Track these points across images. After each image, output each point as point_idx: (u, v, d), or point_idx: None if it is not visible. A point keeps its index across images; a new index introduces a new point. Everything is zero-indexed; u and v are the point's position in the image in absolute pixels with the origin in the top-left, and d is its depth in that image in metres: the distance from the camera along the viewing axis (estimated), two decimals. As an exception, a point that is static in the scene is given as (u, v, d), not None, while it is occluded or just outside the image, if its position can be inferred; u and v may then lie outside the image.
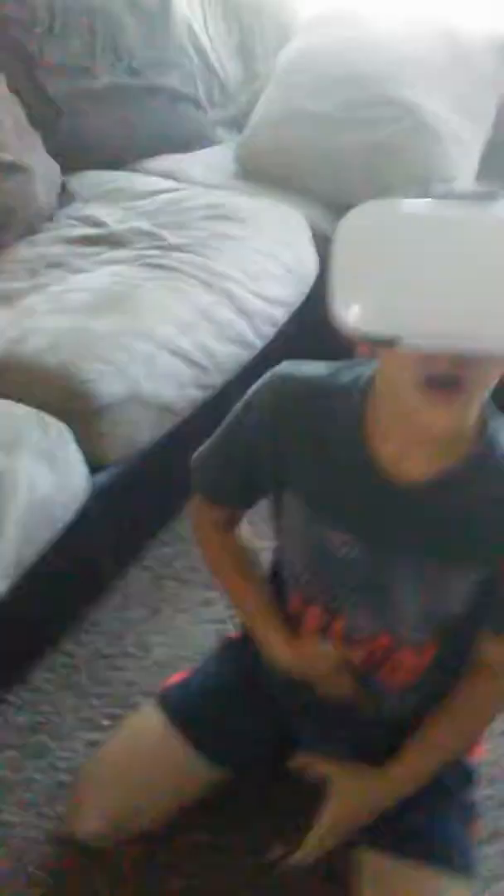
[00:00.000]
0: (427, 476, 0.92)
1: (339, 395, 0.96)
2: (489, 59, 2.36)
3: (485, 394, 0.86)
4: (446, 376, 0.78)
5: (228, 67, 2.73)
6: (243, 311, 1.83)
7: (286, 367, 1.00)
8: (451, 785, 1.13)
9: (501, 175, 2.38)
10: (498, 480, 0.94)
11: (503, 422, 0.95)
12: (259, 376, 1.03)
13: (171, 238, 1.94)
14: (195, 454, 1.13)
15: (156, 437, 1.65)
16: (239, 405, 1.05)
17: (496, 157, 2.38)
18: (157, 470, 1.72)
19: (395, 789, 1.06)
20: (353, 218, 0.69)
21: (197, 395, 1.71)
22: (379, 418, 0.93)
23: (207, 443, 1.12)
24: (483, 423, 0.93)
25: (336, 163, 2.21)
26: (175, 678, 1.28)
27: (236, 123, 2.61)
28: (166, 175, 2.28)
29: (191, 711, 1.18)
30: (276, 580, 1.15)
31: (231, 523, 1.16)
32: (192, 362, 1.68)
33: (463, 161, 2.23)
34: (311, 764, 1.10)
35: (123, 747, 1.19)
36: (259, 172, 2.31)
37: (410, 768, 1.07)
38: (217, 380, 1.76)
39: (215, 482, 1.11)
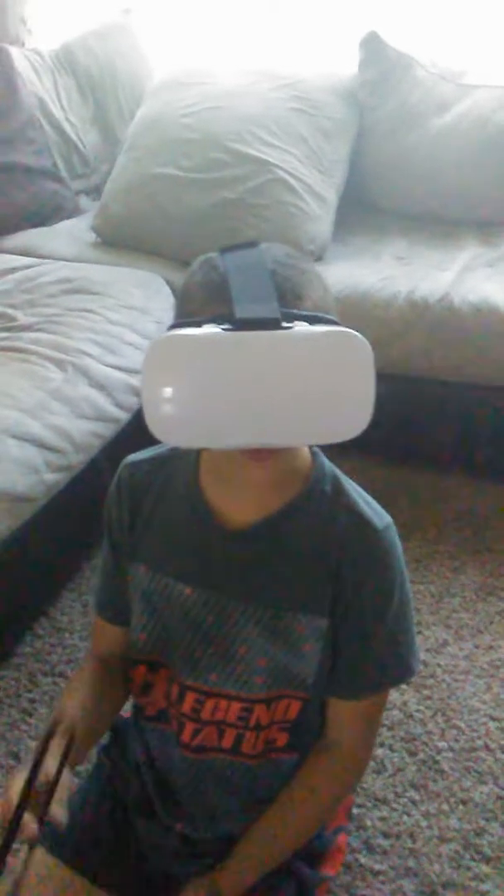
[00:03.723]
0: (255, 519, 0.94)
1: (179, 458, 1.00)
2: (337, 106, 2.39)
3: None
4: (256, 451, 0.85)
5: (87, 138, 2.72)
6: (100, 385, 1.78)
7: (128, 457, 1.05)
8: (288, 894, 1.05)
9: (359, 221, 2.40)
10: (319, 519, 0.94)
11: (326, 460, 0.98)
12: (137, 443, 1.06)
13: (22, 318, 1.88)
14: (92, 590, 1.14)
15: (13, 527, 1.56)
16: (105, 508, 1.07)
17: (351, 204, 2.39)
18: (22, 560, 1.63)
19: (224, 893, 0.99)
20: (158, 345, 0.75)
21: (55, 478, 1.63)
22: (210, 469, 0.97)
23: (96, 579, 1.14)
24: (312, 463, 0.96)
25: (190, 223, 2.19)
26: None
27: (100, 192, 2.58)
28: (21, 252, 2.24)
29: (78, 846, 1.07)
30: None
31: (121, 654, 1.10)
32: (43, 446, 1.61)
33: (319, 212, 2.22)
34: None
35: None
36: (116, 240, 2.28)
37: (239, 866, 1.00)
38: (77, 459, 1.69)
39: (101, 595, 1.11)
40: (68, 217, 2.50)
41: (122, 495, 1.02)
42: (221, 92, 2.33)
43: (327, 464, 0.98)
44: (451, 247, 2.25)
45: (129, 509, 1.02)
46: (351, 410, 0.76)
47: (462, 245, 2.26)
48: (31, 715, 1.55)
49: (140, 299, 2.02)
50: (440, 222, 2.38)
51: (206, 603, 0.98)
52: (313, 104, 2.35)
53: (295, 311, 0.78)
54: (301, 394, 0.75)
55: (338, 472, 0.98)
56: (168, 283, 2.13)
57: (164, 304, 2.06)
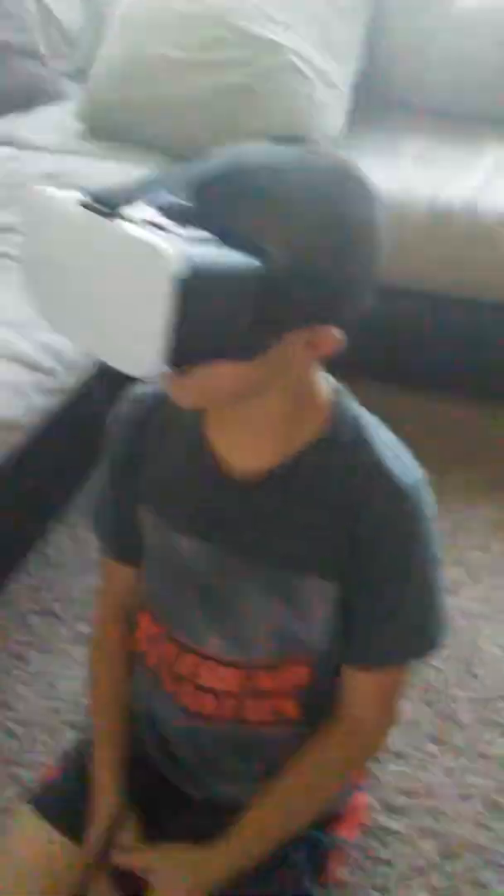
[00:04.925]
0: (264, 467, 0.85)
1: None
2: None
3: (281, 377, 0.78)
4: None
5: (70, 12, 2.44)
6: (93, 297, 1.60)
7: (135, 389, 0.94)
8: (299, 861, 0.97)
9: (376, 116, 2.18)
10: (336, 471, 0.84)
11: (353, 405, 0.86)
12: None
13: (3, 216, 1.68)
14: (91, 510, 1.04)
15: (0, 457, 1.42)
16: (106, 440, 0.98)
17: (370, 95, 2.16)
18: (8, 491, 1.50)
19: (226, 865, 0.90)
20: (27, 194, 0.68)
21: (44, 402, 1.48)
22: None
23: (94, 497, 1.05)
24: (331, 407, 0.84)
25: (189, 112, 1.98)
26: (47, 776, 1.10)
27: (84, 74, 2.33)
28: (0, 140, 2.01)
29: (72, 815, 1.00)
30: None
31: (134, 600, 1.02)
32: (31, 366, 1.45)
33: (331, 103, 2.01)
34: (127, 860, 0.93)
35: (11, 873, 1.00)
36: (105, 129, 2.06)
37: (244, 839, 0.91)
38: (69, 381, 1.54)
39: (104, 531, 1.03)
40: (49, 102, 2.27)
41: (124, 430, 0.94)
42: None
43: (352, 406, 0.86)
44: (475, 146, 2.06)
45: (130, 449, 0.93)
46: (136, 342, 0.64)
47: (487, 145, 2.06)
48: (21, 659, 1.45)
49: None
50: (463, 118, 2.17)
51: (206, 558, 0.90)
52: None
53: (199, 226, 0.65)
54: (93, 298, 0.66)
55: (364, 415, 0.87)
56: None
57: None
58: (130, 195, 0.64)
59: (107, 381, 1.43)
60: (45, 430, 1.52)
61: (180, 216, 0.65)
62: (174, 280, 0.58)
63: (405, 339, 1.93)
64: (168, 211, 0.65)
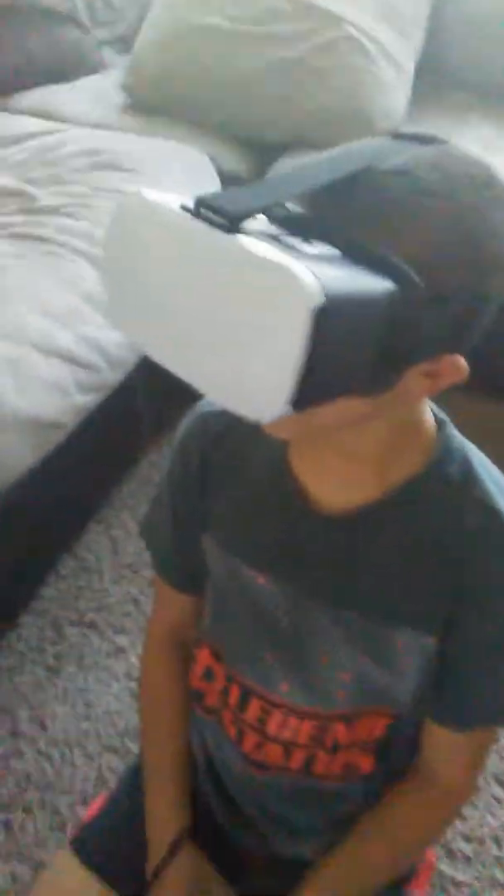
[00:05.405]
0: (356, 502, 0.75)
1: None
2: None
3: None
4: None
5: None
6: (139, 287, 1.49)
7: (204, 405, 0.85)
8: None
9: (435, 98, 2.04)
10: (440, 512, 0.74)
11: (460, 437, 0.76)
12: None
13: (45, 197, 1.57)
14: (142, 522, 0.95)
15: (38, 457, 1.32)
16: (170, 457, 0.89)
17: (430, 75, 2.03)
18: (45, 491, 1.40)
19: None
20: (123, 201, 0.57)
21: (86, 400, 1.38)
22: None
23: (149, 510, 0.94)
24: (436, 439, 0.74)
25: (241, 88, 1.85)
26: (88, 814, 1.02)
27: (127, 43, 2.20)
28: (38, 113, 1.91)
29: (115, 862, 0.92)
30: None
31: (190, 629, 0.94)
32: (74, 361, 1.35)
33: (394, 82, 1.88)
34: None
35: None
36: (149, 104, 1.95)
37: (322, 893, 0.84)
38: (111, 378, 1.44)
39: (162, 552, 0.93)
40: (91, 72, 2.15)
41: (192, 453, 0.84)
42: None
43: (457, 437, 0.76)
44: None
45: (201, 472, 0.84)
46: (258, 382, 0.52)
47: None
48: (57, 674, 1.36)
49: (181, 178, 1.70)
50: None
51: (281, 599, 0.80)
52: None
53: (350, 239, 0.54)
54: (199, 327, 0.54)
55: (472, 449, 0.76)
56: (212, 160, 1.80)
57: (209, 186, 1.74)
58: (249, 205, 0.53)
59: (149, 376, 1.33)
60: (84, 428, 1.42)
61: (301, 229, 0.54)
62: (314, 311, 0.48)
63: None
64: (286, 222, 0.55)
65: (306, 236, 0.54)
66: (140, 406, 1.52)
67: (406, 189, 0.57)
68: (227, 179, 1.77)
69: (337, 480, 0.75)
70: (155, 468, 1.70)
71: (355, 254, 0.54)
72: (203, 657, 0.89)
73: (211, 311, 0.52)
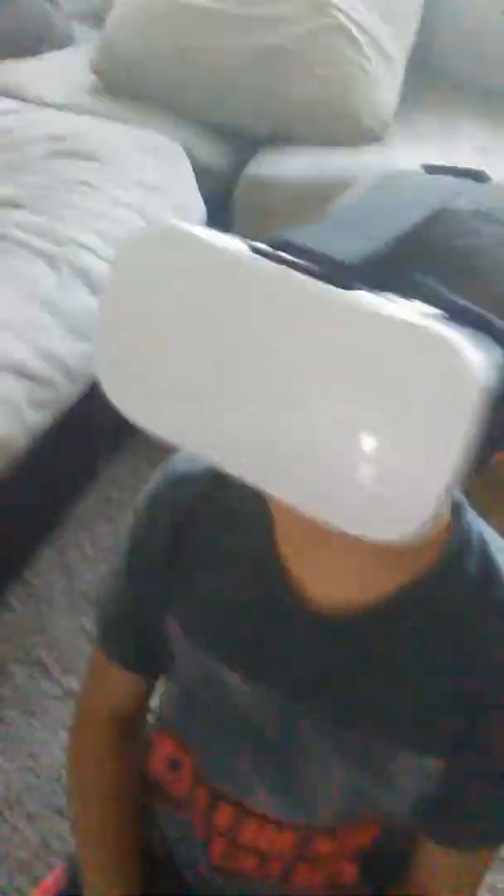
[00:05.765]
0: (357, 600, 0.64)
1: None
2: None
3: None
4: None
5: None
6: (102, 291, 1.36)
7: (180, 463, 0.72)
8: None
9: (426, 93, 1.93)
10: (455, 613, 0.63)
11: (478, 522, 0.65)
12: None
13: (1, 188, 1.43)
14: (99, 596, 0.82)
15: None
16: (133, 521, 0.76)
17: (420, 72, 1.91)
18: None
19: None
20: (130, 249, 0.46)
21: (39, 417, 1.25)
22: (286, 521, 0.64)
23: (106, 580, 0.81)
24: (453, 525, 0.64)
25: (220, 74, 1.72)
26: (44, 884, 0.89)
27: (100, 18, 2.05)
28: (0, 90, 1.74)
29: None
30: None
31: (135, 714, 0.81)
32: (27, 376, 1.22)
33: (385, 77, 1.76)
34: None
35: None
36: (122, 85, 1.81)
37: None
38: (68, 391, 1.30)
39: (115, 629, 0.78)
40: (58, 48, 2.00)
41: (161, 522, 0.71)
42: None
43: (476, 525, 0.65)
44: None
45: (171, 545, 0.71)
46: (399, 487, 0.41)
47: None
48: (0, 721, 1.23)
49: (154, 172, 1.57)
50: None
51: (262, 704, 0.69)
52: None
53: (437, 290, 0.43)
54: (303, 409, 0.43)
55: (492, 536, 0.65)
56: (187, 152, 1.67)
57: (184, 182, 1.61)
58: (361, 252, 0.42)
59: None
60: (37, 448, 1.29)
61: (385, 280, 0.43)
62: (481, 392, 0.38)
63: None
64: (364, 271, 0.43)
65: (396, 290, 0.43)
66: (98, 418, 1.40)
67: (494, 234, 0.48)
68: (202, 174, 1.64)
69: (337, 576, 0.64)
70: (115, 485, 1.57)
71: (459, 315, 0.43)
72: (164, 745, 0.77)
73: (307, 392, 0.41)
